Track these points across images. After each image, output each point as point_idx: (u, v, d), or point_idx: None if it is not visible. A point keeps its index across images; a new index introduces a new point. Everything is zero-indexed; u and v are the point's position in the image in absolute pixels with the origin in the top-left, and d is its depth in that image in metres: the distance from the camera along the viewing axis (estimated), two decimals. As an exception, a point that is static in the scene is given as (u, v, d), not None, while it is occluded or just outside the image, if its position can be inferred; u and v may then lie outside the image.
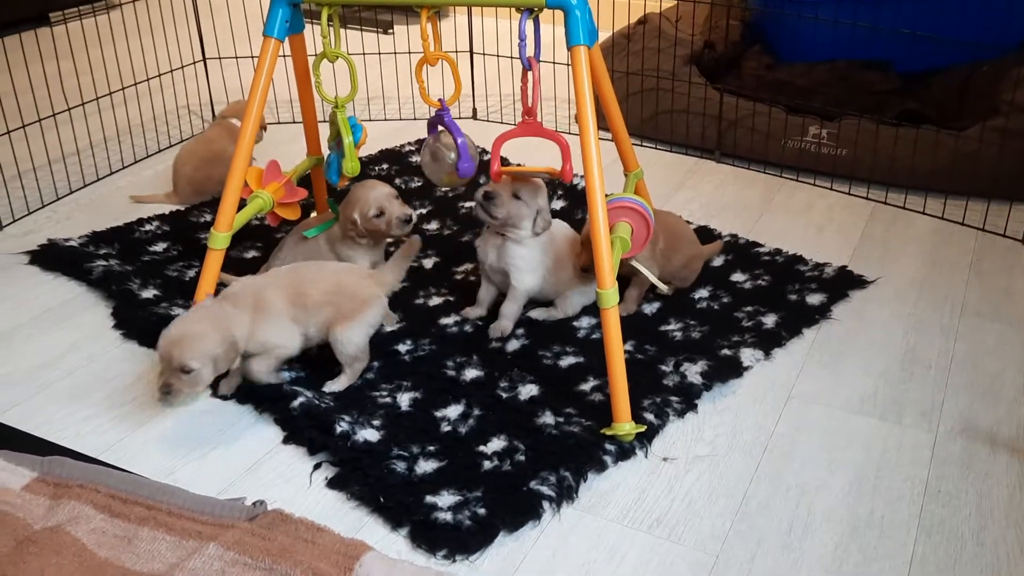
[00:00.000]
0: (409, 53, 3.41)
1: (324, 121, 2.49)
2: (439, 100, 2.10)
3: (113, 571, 1.50)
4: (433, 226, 2.69)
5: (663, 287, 2.17)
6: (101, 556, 1.53)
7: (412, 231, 2.18)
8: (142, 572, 1.51)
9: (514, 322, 2.16)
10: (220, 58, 3.48)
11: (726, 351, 2.08)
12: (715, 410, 1.94)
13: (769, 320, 2.20)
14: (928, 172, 2.79)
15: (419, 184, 2.94)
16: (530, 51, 1.92)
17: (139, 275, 2.38)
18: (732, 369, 2.03)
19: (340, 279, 1.95)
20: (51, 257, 2.49)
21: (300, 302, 1.91)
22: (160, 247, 2.55)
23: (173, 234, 2.62)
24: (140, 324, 2.17)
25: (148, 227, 2.66)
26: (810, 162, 2.97)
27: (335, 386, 1.96)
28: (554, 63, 3.22)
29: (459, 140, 2.11)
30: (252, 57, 3.42)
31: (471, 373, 2.01)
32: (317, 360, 2.05)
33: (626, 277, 2.19)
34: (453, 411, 1.90)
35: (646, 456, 1.81)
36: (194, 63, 3.45)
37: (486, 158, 2.17)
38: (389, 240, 2.26)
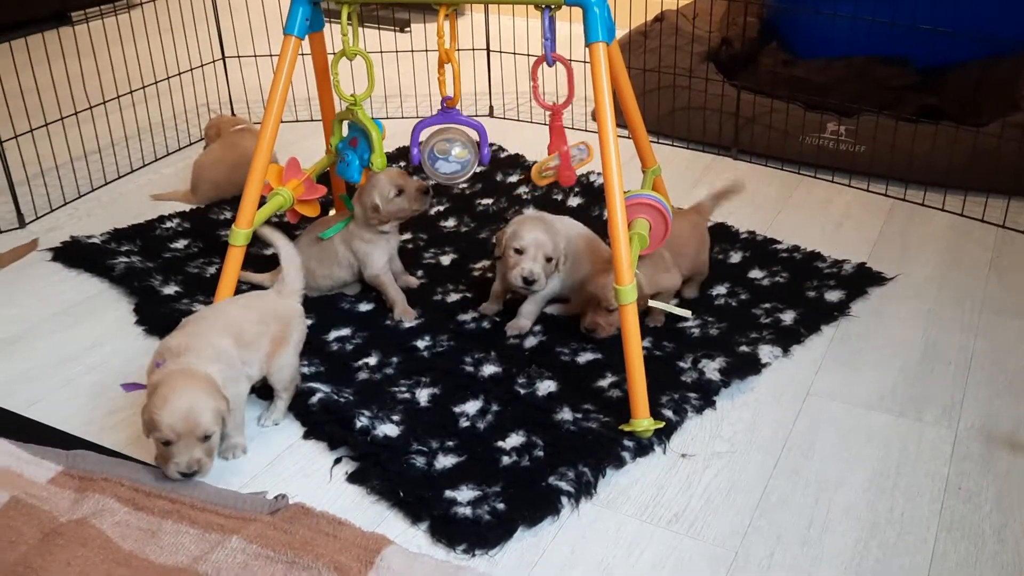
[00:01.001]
0: (426, 51, 3.42)
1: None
2: (446, 97, 2.10)
3: (137, 563, 1.52)
4: (450, 223, 2.70)
5: (686, 313, 2.09)
6: (126, 548, 1.55)
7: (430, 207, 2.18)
8: (166, 564, 1.52)
9: (532, 321, 2.17)
10: (239, 57, 3.50)
11: (744, 348, 2.08)
12: (733, 407, 1.94)
13: (787, 317, 2.20)
14: (947, 168, 2.78)
15: (435, 182, 2.94)
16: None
17: (160, 271, 2.40)
18: (750, 366, 2.03)
19: (263, 304, 1.86)
20: (73, 254, 2.52)
21: (244, 342, 1.78)
22: (181, 244, 2.57)
23: (194, 231, 2.65)
24: (162, 320, 2.18)
25: (169, 224, 2.68)
26: (828, 159, 2.96)
27: (275, 415, 1.89)
28: (570, 60, 3.22)
29: (417, 126, 2.12)
30: (271, 56, 3.44)
31: (489, 369, 2.02)
32: (336, 354, 2.06)
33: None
34: (471, 407, 1.91)
35: (664, 452, 1.81)
36: (214, 62, 3.47)
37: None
38: (403, 239, 2.27)
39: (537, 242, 2.05)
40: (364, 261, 2.22)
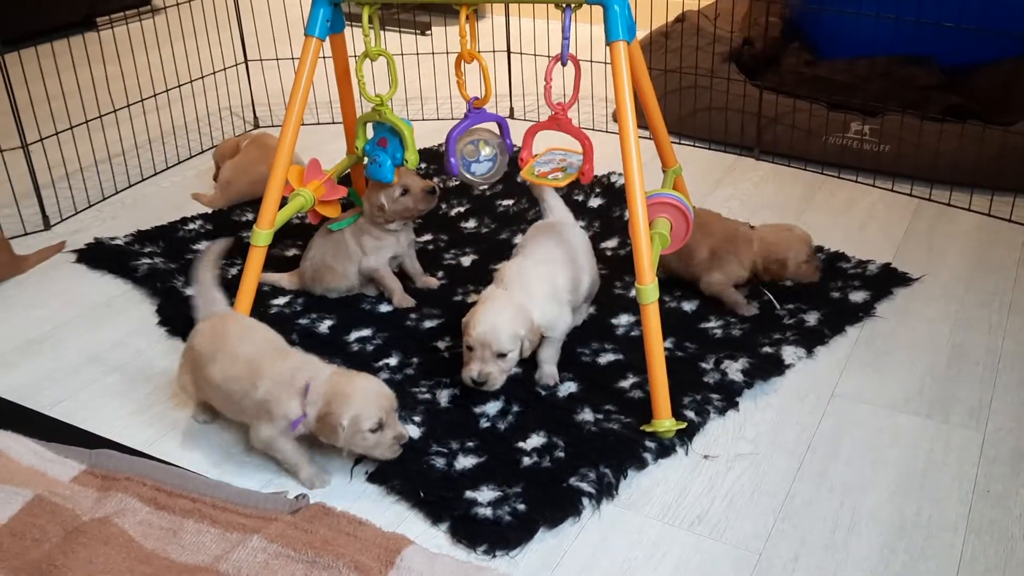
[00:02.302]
0: (447, 53, 3.43)
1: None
2: (472, 98, 2.10)
3: (159, 562, 1.53)
4: (471, 224, 2.70)
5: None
6: (147, 548, 1.56)
7: (438, 202, 2.19)
8: (187, 564, 1.53)
9: (556, 362, 1.99)
10: (261, 60, 3.52)
11: (767, 349, 2.06)
12: (756, 408, 1.92)
13: (811, 318, 2.18)
14: (973, 168, 2.74)
15: (456, 183, 2.95)
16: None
17: (183, 273, 2.42)
18: (774, 367, 2.01)
19: (246, 322, 1.92)
20: (98, 255, 2.54)
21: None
22: (203, 245, 2.59)
23: (216, 232, 2.66)
24: (184, 321, 2.19)
25: (191, 226, 2.70)
26: (852, 159, 2.93)
27: None
28: (591, 61, 3.21)
29: (450, 134, 2.10)
30: (293, 59, 3.46)
31: (510, 370, 2.01)
32: (357, 355, 2.06)
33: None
34: (492, 407, 1.90)
35: (687, 454, 1.80)
36: (236, 65, 3.49)
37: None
38: (424, 240, 2.27)
39: (484, 340, 1.81)
40: (367, 255, 2.23)
